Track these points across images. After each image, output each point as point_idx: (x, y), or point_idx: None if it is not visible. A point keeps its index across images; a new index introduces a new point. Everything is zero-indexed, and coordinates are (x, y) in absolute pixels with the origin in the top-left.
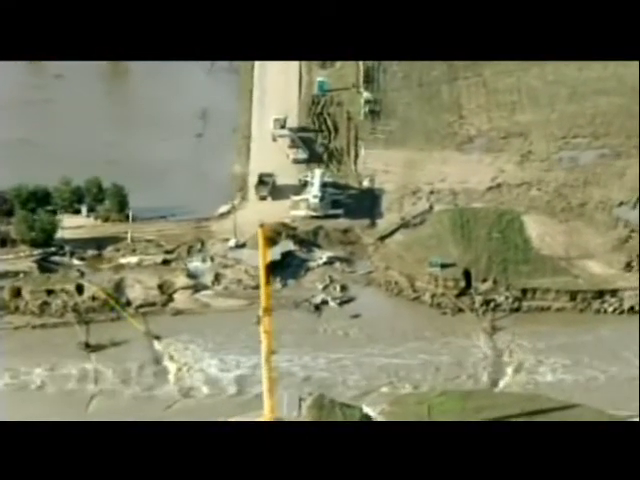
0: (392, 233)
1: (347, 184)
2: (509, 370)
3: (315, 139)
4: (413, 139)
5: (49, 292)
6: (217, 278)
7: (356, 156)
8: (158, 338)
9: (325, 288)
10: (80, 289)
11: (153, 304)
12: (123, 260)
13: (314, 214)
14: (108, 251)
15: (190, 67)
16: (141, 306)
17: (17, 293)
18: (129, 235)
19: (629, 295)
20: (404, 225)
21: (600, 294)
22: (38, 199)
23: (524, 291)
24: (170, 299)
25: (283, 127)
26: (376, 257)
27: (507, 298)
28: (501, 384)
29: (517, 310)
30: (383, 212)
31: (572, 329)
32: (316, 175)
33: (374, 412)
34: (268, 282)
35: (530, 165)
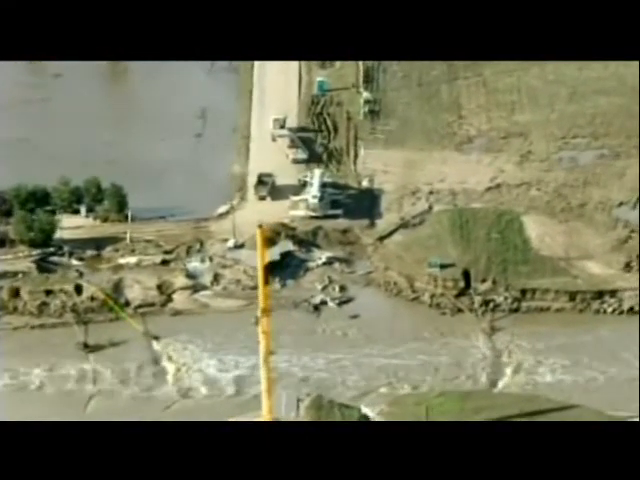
0: (391, 233)
1: (346, 184)
2: (508, 370)
3: (315, 139)
4: (412, 139)
5: (48, 292)
6: (216, 278)
7: (355, 156)
8: (157, 338)
9: (324, 288)
10: (79, 289)
11: (152, 304)
12: (122, 260)
13: (313, 214)
14: (107, 251)
15: (190, 67)
16: (140, 306)
17: (16, 293)
18: (128, 235)
19: (629, 295)
20: (403, 225)
21: (599, 294)
22: (37, 199)
23: (523, 291)
24: (169, 299)
25: (282, 127)
26: (375, 257)
27: (506, 298)
28: (500, 385)
29: (516, 310)
30: (382, 212)
31: (571, 329)
32: (315, 175)
33: (373, 412)
34: (267, 282)
35: (530, 165)
